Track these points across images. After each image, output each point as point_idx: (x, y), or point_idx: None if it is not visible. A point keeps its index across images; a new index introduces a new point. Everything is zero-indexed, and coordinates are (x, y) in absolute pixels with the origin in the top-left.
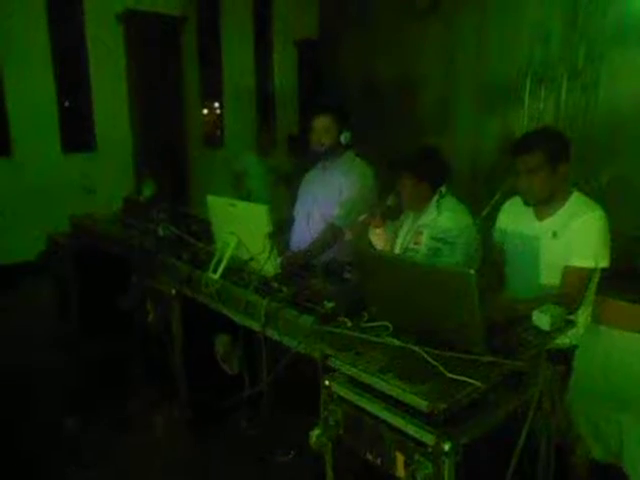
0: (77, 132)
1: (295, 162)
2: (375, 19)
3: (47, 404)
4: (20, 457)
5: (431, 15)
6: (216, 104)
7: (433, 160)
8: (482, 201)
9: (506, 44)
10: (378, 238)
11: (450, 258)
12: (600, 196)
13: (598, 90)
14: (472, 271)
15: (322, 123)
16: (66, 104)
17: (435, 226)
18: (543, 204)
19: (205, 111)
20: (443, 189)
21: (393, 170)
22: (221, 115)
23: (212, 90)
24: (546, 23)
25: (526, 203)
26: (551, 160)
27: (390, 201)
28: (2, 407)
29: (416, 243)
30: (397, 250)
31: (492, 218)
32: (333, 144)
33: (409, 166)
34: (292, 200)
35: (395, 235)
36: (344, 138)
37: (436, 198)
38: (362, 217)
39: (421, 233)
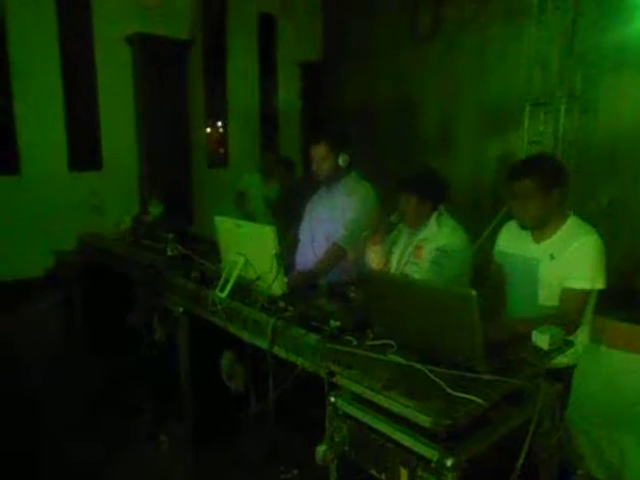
0: (84, 151)
1: (283, 187)
2: (377, 42)
3: (52, 420)
4: (22, 472)
5: (432, 40)
6: (220, 124)
7: (434, 180)
8: (483, 222)
9: (505, 68)
10: (375, 254)
11: (449, 271)
12: (599, 217)
13: (596, 113)
14: (474, 292)
15: (318, 152)
16: (74, 123)
17: (437, 240)
18: (539, 228)
19: (210, 131)
20: (442, 208)
21: (397, 189)
22: (225, 135)
23: (217, 111)
24: (544, 48)
25: (522, 227)
26: (545, 186)
27: (394, 218)
28: (5, 423)
29: (417, 257)
30: (394, 265)
31: (493, 239)
32: (332, 169)
33: (413, 185)
34: (279, 224)
35: (390, 251)
36: (342, 161)
37: (436, 215)
38: (365, 233)
39: (422, 247)
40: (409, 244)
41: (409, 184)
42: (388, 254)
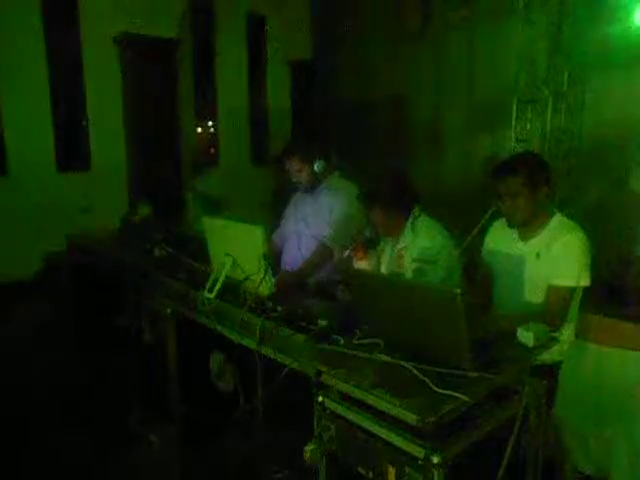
0: (72, 151)
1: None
2: (367, 41)
3: (42, 420)
4: (10, 474)
5: (421, 38)
6: (210, 123)
7: (398, 187)
8: (471, 220)
9: (493, 66)
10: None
11: (434, 276)
12: (587, 214)
13: (583, 111)
14: (458, 290)
15: (291, 166)
16: (61, 124)
17: (414, 246)
18: (525, 226)
19: (200, 131)
20: (416, 211)
21: (364, 203)
22: (215, 134)
23: (207, 110)
24: (531, 46)
25: (509, 225)
26: (530, 184)
27: (368, 232)
28: None
29: (399, 267)
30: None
31: (481, 237)
32: (311, 178)
33: (376, 198)
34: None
35: (379, 262)
36: (318, 167)
37: (410, 221)
38: (346, 253)
39: (402, 257)
40: (392, 254)
41: (371, 197)
42: (376, 266)
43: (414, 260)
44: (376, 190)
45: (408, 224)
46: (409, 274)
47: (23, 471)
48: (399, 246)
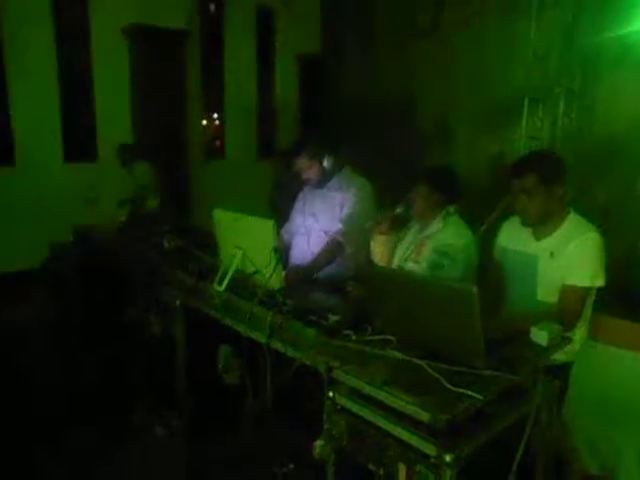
0: (80, 142)
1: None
2: (376, 36)
3: (48, 413)
4: (18, 467)
5: (431, 34)
6: (218, 117)
7: (449, 176)
8: (480, 218)
9: (504, 64)
10: (380, 245)
11: (450, 272)
12: (596, 214)
13: (595, 110)
14: (474, 288)
15: (301, 165)
16: (69, 114)
17: (439, 238)
18: (540, 224)
19: (207, 124)
20: (453, 208)
21: (413, 179)
22: (222, 127)
23: (214, 103)
24: (544, 44)
25: (523, 223)
26: (545, 182)
27: (399, 209)
28: (1, 415)
29: (418, 254)
30: (396, 260)
31: (490, 235)
32: (320, 174)
33: (427, 175)
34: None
35: (396, 246)
36: (328, 163)
37: (444, 213)
38: (369, 224)
39: (424, 245)
40: (414, 241)
41: (424, 175)
42: (393, 248)
43: (436, 251)
44: (435, 173)
45: (441, 215)
46: (424, 265)
47: (28, 464)
48: (424, 233)
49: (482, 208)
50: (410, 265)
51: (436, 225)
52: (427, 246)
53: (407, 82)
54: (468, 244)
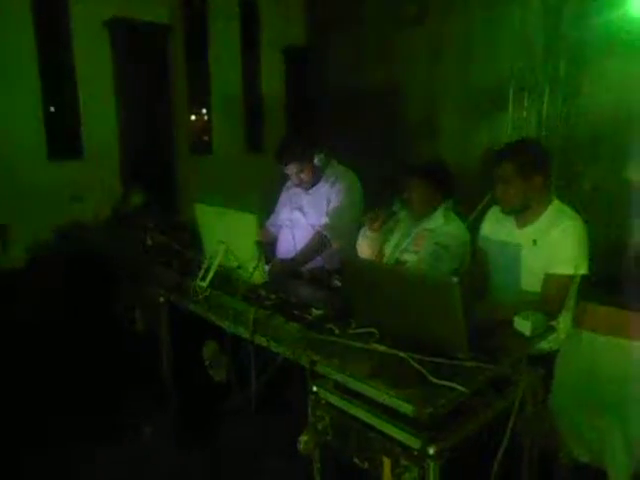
0: (63, 139)
1: None
2: (362, 27)
3: (33, 411)
4: (6, 466)
5: (418, 25)
6: (204, 111)
7: (446, 172)
8: (467, 208)
9: (490, 53)
10: (369, 241)
11: (448, 265)
12: (582, 202)
13: (580, 99)
14: (456, 280)
15: (292, 170)
16: (52, 110)
17: (442, 233)
18: (520, 212)
19: (193, 118)
20: (450, 203)
21: (407, 175)
22: (209, 122)
23: (200, 97)
24: (529, 32)
25: (502, 211)
26: (524, 171)
27: (396, 207)
28: None
29: (416, 245)
30: (388, 252)
31: (478, 225)
32: (312, 174)
33: (426, 173)
34: None
35: (385, 239)
36: (319, 160)
37: (443, 207)
38: (363, 218)
39: (424, 237)
40: (409, 233)
41: (422, 170)
42: (382, 243)
43: (437, 244)
44: (432, 168)
45: (440, 210)
46: (425, 255)
47: (13, 463)
48: (423, 226)
49: (470, 198)
50: (408, 256)
51: (437, 220)
52: (428, 239)
53: (393, 72)
54: (466, 240)
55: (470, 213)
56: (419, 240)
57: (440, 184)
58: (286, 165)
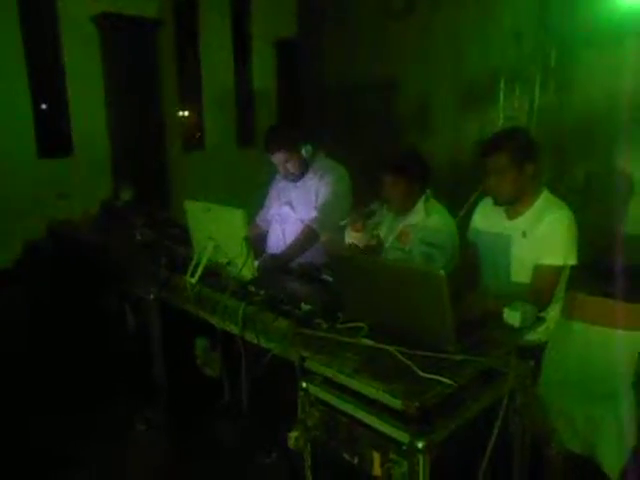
0: (53, 136)
1: None
2: (353, 19)
3: (24, 411)
4: None
5: (408, 16)
6: (195, 106)
7: (420, 161)
8: (460, 201)
9: (481, 44)
10: (354, 241)
11: (439, 261)
12: (575, 193)
13: (571, 89)
14: (442, 272)
15: (278, 159)
16: (42, 108)
17: (424, 228)
18: (512, 204)
19: (184, 113)
20: (429, 193)
21: (382, 172)
22: (201, 117)
23: (191, 92)
24: (519, 23)
25: (495, 203)
26: (517, 161)
27: (375, 205)
28: None
29: (403, 243)
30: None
31: (469, 217)
32: (300, 165)
33: (401, 168)
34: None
35: (372, 236)
36: (306, 152)
37: (423, 199)
38: (344, 222)
39: (407, 234)
40: (393, 229)
41: (396, 167)
42: (370, 240)
43: (423, 243)
44: (406, 162)
45: (420, 203)
46: (417, 258)
47: (3, 459)
48: (407, 222)
49: (462, 189)
50: (394, 254)
51: (418, 213)
52: (412, 235)
53: (385, 64)
54: (452, 229)
55: (461, 207)
56: (403, 236)
57: (415, 178)
58: (273, 154)
